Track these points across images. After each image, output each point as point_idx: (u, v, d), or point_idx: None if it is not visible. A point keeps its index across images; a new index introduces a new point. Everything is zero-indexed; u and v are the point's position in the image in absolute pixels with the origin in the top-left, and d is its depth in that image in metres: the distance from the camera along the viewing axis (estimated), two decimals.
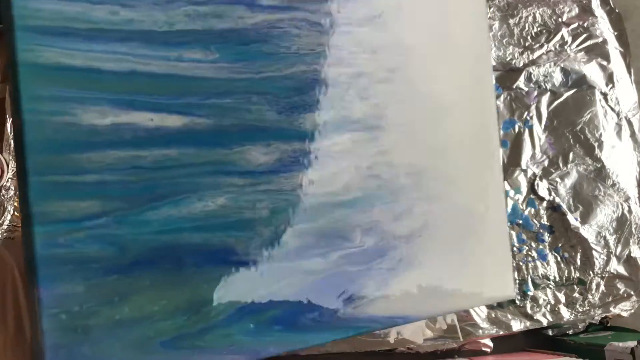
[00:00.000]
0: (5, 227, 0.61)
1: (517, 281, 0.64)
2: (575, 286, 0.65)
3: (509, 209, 0.66)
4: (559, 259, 0.65)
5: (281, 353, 0.30)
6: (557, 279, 0.65)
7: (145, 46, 0.28)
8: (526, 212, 0.66)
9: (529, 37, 0.71)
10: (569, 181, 0.68)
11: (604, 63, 0.72)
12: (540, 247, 0.65)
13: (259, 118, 0.31)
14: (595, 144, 0.69)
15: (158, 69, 0.29)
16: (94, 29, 0.27)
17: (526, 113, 0.69)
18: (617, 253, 0.66)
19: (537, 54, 0.71)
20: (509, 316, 0.63)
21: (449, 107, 0.37)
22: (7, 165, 0.61)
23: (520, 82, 0.70)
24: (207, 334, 0.29)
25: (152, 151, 0.28)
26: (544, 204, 0.67)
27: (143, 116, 0.28)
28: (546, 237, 0.66)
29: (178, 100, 0.29)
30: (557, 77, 0.71)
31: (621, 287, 0.65)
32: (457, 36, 0.38)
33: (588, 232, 0.66)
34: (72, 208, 0.27)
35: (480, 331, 0.62)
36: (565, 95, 0.70)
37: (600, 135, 0.69)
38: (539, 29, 0.72)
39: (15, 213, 0.61)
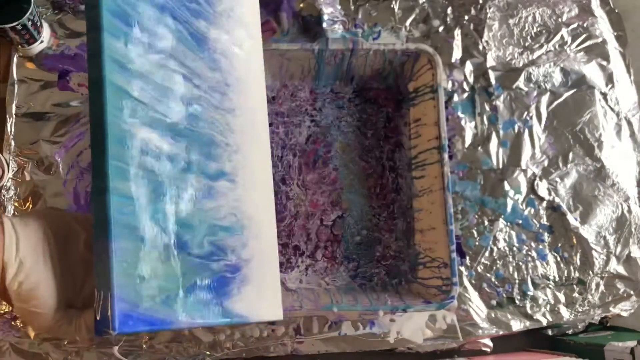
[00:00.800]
0: None
1: (517, 281, 0.64)
2: (575, 286, 0.65)
3: (509, 209, 0.66)
4: (558, 258, 0.65)
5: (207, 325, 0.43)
6: (557, 278, 0.65)
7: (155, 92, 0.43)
8: (526, 212, 0.66)
9: (528, 37, 0.72)
10: (569, 181, 0.68)
11: (604, 63, 0.72)
12: (540, 247, 0.65)
13: (193, 158, 0.45)
14: (595, 144, 0.69)
15: (162, 116, 0.43)
16: (142, 73, 0.41)
17: (526, 113, 0.69)
18: (617, 253, 0.66)
19: (536, 54, 0.71)
20: (509, 316, 0.63)
21: (262, 174, 0.50)
22: (8, 165, 0.61)
23: (520, 82, 0.70)
24: (178, 296, 0.40)
25: (159, 162, 0.42)
26: (544, 204, 0.67)
27: (156, 138, 0.42)
28: (546, 237, 0.66)
29: (166, 133, 0.43)
30: (557, 77, 0.71)
31: (621, 287, 0.65)
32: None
33: (588, 232, 0.66)
34: (128, 188, 0.38)
35: (480, 331, 0.62)
36: (565, 95, 0.70)
37: (600, 135, 0.69)
38: (538, 29, 0.72)
39: (16, 213, 0.61)
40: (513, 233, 0.65)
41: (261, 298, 0.46)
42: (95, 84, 0.38)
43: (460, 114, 0.68)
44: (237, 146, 0.47)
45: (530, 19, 0.72)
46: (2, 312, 0.58)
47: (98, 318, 0.36)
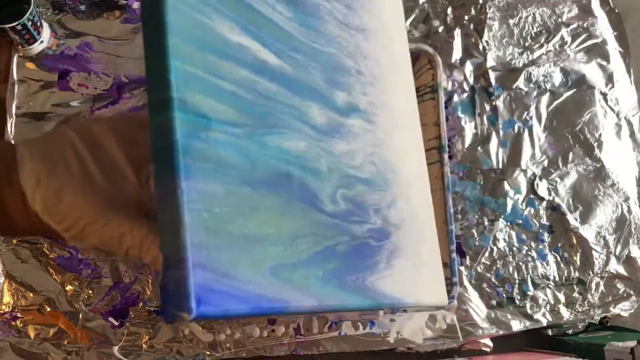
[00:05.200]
0: None
1: (517, 281, 0.64)
2: (575, 286, 0.65)
3: (509, 209, 0.66)
4: (558, 259, 0.65)
5: (326, 311, 0.32)
6: (557, 278, 0.65)
7: None
8: (526, 212, 0.66)
9: (528, 38, 0.72)
10: (569, 181, 0.68)
11: (604, 63, 0.72)
12: (540, 247, 0.65)
13: (316, 82, 0.33)
14: (595, 144, 0.69)
15: (264, 10, 0.31)
16: None
17: (526, 113, 0.69)
18: (617, 253, 0.66)
19: (536, 54, 0.71)
20: (509, 316, 0.63)
21: (407, 120, 0.42)
22: None
23: (520, 82, 0.70)
24: (296, 270, 0.29)
25: (263, 80, 0.30)
26: (544, 204, 0.67)
27: (256, 46, 0.30)
28: (546, 237, 0.66)
29: (274, 43, 0.31)
30: (557, 77, 0.71)
31: (621, 287, 0.65)
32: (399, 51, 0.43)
33: (588, 232, 0.66)
34: (212, 107, 0.26)
35: (480, 331, 0.62)
36: (565, 95, 0.70)
37: (600, 135, 0.69)
38: (538, 29, 0.72)
39: None
40: (513, 233, 0.65)
41: (418, 276, 0.36)
42: None
43: (460, 114, 0.68)
44: (373, 77, 0.37)
45: (530, 19, 0.72)
46: (2, 312, 0.58)
47: (164, 295, 0.24)
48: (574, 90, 0.70)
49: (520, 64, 0.71)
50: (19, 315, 0.59)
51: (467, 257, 0.64)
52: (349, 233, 0.32)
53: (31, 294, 0.59)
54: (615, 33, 0.73)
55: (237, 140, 0.27)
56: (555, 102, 0.70)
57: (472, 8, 0.72)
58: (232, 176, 0.27)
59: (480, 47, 0.70)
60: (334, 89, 0.34)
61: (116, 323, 0.59)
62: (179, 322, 0.24)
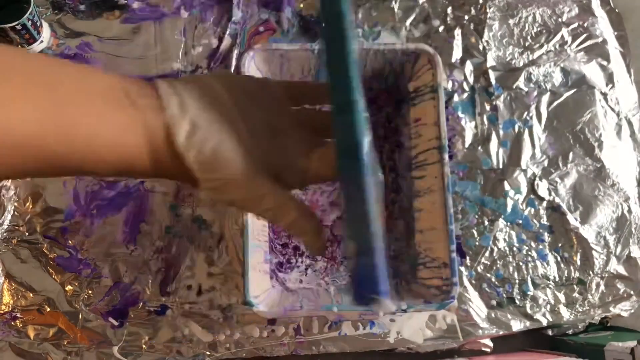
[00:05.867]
0: (5, 227, 0.61)
1: (517, 281, 0.64)
2: (575, 286, 0.65)
3: (509, 209, 0.66)
4: (558, 259, 0.65)
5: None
6: (557, 279, 0.65)
7: None
8: (526, 212, 0.66)
9: (528, 37, 0.72)
10: (569, 181, 0.68)
11: (604, 63, 0.72)
12: (540, 247, 0.65)
13: None
14: (595, 144, 0.69)
15: None
16: None
17: (526, 113, 0.69)
18: (617, 253, 0.66)
19: (537, 54, 0.71)
20: (509, 316, 0.63)
21: None
22: None
23: (520, 82, 0.70)
24: None
25: None
26: (544, 204, 0.67)
27: None
28: (546, 237, 0.66)
29: None
30: (557, 77, 0.71)
31: (621, 287, 0.65)
32: None
33: (588, 232, 0.66)
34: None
35: (480, 331, 0.62)
36: (565, 95, 0.70)
37: (600, 135, 0.69)
38: (538, 29, 0.72)
39: (16, 213, 0.61)
40: (513, 233, 0.65)
41: None
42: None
43: (460, 114, 0.68)
44: None
45: (530, 19, 0.72)
46: (1, 312, 0.58)
47: (354, 282, 0.27)
48: (574, 90, 0.70)
49: (521, 64, 0.70)
50: (18, 315, 0.59)
51: (467, 257, 0.64)
52: None
53: (31, 294, 0.59)
54: (615, 33, 0.73)
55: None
56: (556, 102, 0.70)
57: (472, 8, 0.72)
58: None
59: (481, 47, 0.70)
60: None
61: (116, 323, 0.59)
62: (372, 304, 0.26)
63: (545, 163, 0.68)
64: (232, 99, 0.31)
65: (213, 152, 0.28)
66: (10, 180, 0.61)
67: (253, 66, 0.60)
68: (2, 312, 0.58)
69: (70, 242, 0.61)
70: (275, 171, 0.32)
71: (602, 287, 0.65)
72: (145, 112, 0.28)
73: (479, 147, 0.67)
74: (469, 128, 0.68)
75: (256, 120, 0.31)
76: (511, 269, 0.64)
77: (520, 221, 0.66)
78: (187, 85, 0.30)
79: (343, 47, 0.28)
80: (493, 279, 0.64)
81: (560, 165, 0.68)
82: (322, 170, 0.33)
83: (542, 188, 0.67)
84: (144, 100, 0.28)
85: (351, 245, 0.27)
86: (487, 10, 0.72)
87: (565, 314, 0.64)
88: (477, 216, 0.65)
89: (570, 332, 0.66)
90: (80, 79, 0.27)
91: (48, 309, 0.59)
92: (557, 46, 0.72)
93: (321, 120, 0.36)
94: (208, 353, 0.59)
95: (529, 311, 0.63)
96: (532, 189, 0.67)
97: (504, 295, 0.64)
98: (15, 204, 0.61)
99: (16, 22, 0.58)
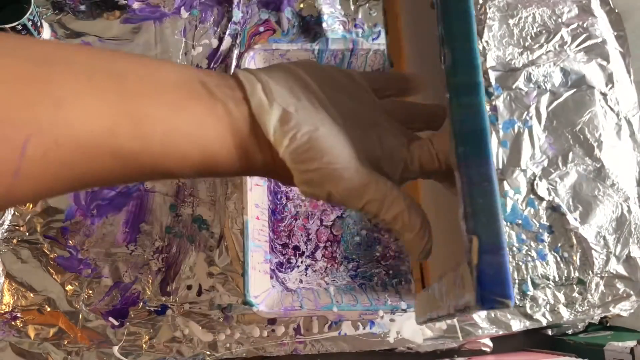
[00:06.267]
0: (5, 227, 0.61)
1: (517, 281, 0.64)
2: (574, 286, 0.65)
3: (509, 209, 0.66)
4: (558, 258, 0.65)
5: None
6: (557, 278, 0.65)
7: None
8: (526, 212, 0.66)
9: (528, 38, 0.72)
10: (569, 181, 0.68)
11: (604, 63, 0.72)
12: (540, 247, 0.65)
13: None
14: (595, 144, 0.69)
15: None
16: None
17: (526, 113, 0.69)
18: (617, 253, 0.66)
19: (536, 54, 0.71)
20: (509, 316, 0.63)
21: None
22: None
23: (520, 82, 0.70)
24: None
25: None
26: (544, 204, 0.67)
27: None
28: (546, 237, 0.66)
29: None
30: (557, 77, 0.71)
31: (621, 287, 0.65)
32: None
33: (587, 232, 0.66)
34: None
35: (480, 331, 0.62)
36: (565, 95, 0.70)
37: (600, 135, 0.69)
38: (538, 29, 0.72)
39: (16, 213, 0.61)
40: (513, 233, 0.65)
41: None
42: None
43: None
44: None
45: (530, 19, 0.72)
46: (2, 312, 0.58)
47: (479, 281, 0.24)
48: (574, 90, 0.70)
49: (520, 64, 0.71)
50: (19, 315, 0.59)
51: None
52: None
53: (31, 294, 0.59)
54: (615, 33, 0.73)
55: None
56: (555, 102, 0.70)
57: None
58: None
59: (480, 47, 0.70)
60: None
61: (116, 323, 0.59)
62: (499, 308, 0.24)
63: (545, 163, 0.68)
64: (320, 86, 0.28)
65: (309, 139, 0.26)
66: None
67: (253, 66, 0.60)
68: (2, 312, 0.58)
69: (70, 242, 0.61)
70: (375, 162, 0.29)
71: (601, 287, 0.65)
72: (226, 102, 0.25)
73: None
74: None
75: (348, 109, 0.29)
76: (511, 269, 0.64)
77: (520, 221, 0.66)
78: (271, 72, 0.28)
79: (467, 19, 0.26)
80: None
81: (560, 165, 0.68)
82: (425, 161, 0.29)
83: (542, 188, 0.67)
84: (224, 90, 0.26)
85: (476, 241, 0.24)
86: (487, 10, 0.72)
87: (565, 313, 0.64)
88: None
89: (570, 332, 0.66)
90: (150, 69, 0.25)
91: (48, 309, 0.59)
92: (557, 46, 0.72)
93: (408, 112, 0.33)
94: (208, 353, 0.59)
95: (528, 311, 0.63)
96: (531, 189, 0.67)
97: None
98: None
99: (16, 22, 0.58)
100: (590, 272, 0.65)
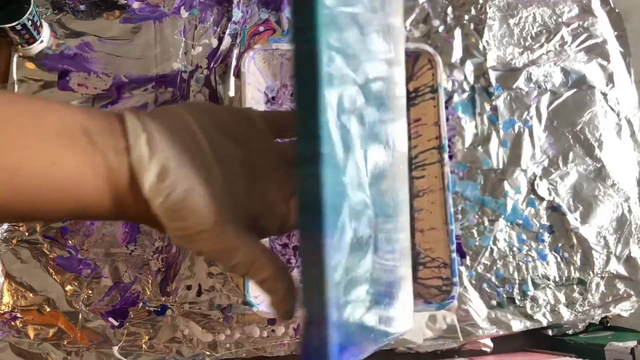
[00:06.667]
0: (5, 227, 0.61)
1: (517, 281, 0.64)
2: (575, 286, 0.65)
3: (509, 209, 0.66)
4: (559, 259, 0.65)
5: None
6: (557, 279, 0.65)
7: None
8: (526, 212, 0.66)
9: (529, 37, 0.71)
10: (569, 181, 0.68)
11: (604, 63, 0.72)
12: (540, 247, 0.65)
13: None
14: (595, 144, 0.69)
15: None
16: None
17: (526, 113, 0.69)
18: (617, 253, 0.66)
19: (537, 54, 0.71)
20: (509, 316, 0.63)
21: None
22: None
23: (520, 82, 0.70)
24: (369, 319, 0.30)
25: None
26: (544, 204, 0.67)
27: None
28: (546, 237, 0.66)
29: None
30: (557, 77, 0.71)
31: (621, 287, 0.65)
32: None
33: (588, 232, 0.66)
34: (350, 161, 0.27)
35: (480, 331, 0.62)
36: (565, 95, 0.70)
37: (600, 135, 0.69)
38: (539, 29, 0.72)
39: None
40: (513, 233, 0.65)
41: (402, 305, 0.37)
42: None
43: (460, 114, 0.68)
44: (393, 113, 0.39)
45: (530, 18, 0.72)
46: (1, 312, 0.58)
47: (304, 346, 0.24)
48: (575, 90, 0.70)
49: (521, 64, 0.70)
50: (18, 315, 0.58)
51: (467, 257, 0.64)
52: (393, 273, 0.34)
53: (31, 294, 0.59)
54: (615, 33, 0.73)
55: (363, 190, 0.28)
56: (556, 102, 0.70)
57: (472, 8, 0.72)
58: (343, 231, 0.27)
59: (481, 46, 0.70)
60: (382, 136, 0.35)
61: (116, 323, 0.59)
62: None
63: (545, 163, 0.68)
64: (207, 135, 0.28)
65: (183, 199, 0.26)
66: None
67: (253, 66, 0.60)
68: (2, 312, 0.58)
69: (70, 242, 0.61)
70: (252, 217, 0.29)
71: (602, 287, 0.65)
72: (107, 153, 0.25)
73: (479, 147, 0.67)
74: (469, 128, 0.68)
75: (234, 160, 0.29)
76: (511, 269, 0.64)
77: (521, 221, 0.66)
78: (158, 119, 0.27)
79: (313, 87, 0.24)
80: (493, 279, 0.64)
81: (561, 165, 0.68)
82: None
83: (542, 188, 0.67)
84: (107, 138, 0.26)
85: (303, 311, 0.24)
86: (487, 10, 0.71)
87: (566, 314, 0.64)
88: (477, 216, 0.65)
89: (570, 332, 0.66)
90: (32, 116, 0.25)
91: (48, 309, 0.59)
92: (557, 46, 0.71)
93: None
94: (208, 353, 0.59)
95: (529, 311, 0.63)
96: (532, 189, 0.67)
97: (504, 295, 0.64)
98: None
99: (16, 22, 0.58)
100: (590, 272, 0.65)
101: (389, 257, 0.34)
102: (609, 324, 0.67)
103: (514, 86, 0.69)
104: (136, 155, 0.25)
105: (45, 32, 0.64)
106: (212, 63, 0.67)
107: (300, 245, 0.24)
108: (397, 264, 0.36)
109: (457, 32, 0.70)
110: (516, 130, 0.68)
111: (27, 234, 0.61)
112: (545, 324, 0.63)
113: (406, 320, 0.40)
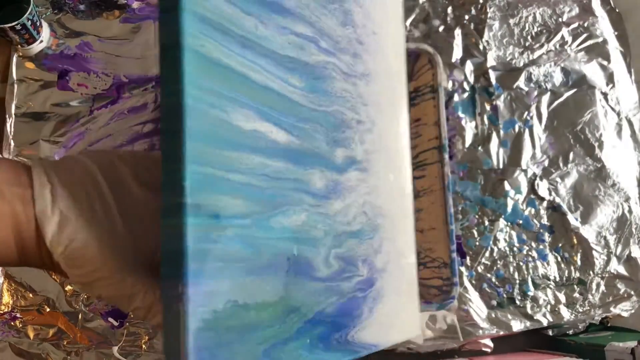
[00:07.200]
0: None
1: (518, 281, 0.64)
2: (575, 286, 0.65)
3: (509, 209, 0.66)
4: (559, 259, 0.65)
5: None
6: (557, 279, 0.65)
7: (272, 64, 0.30)
8: (526, 212, 0.66)
9: (529, 37, 0.71)
10: (569, 181, 0.68)
11: (604, 63, 0.72)
12: (541, 247, 0.65)
13: (318, 146, 0.33)
14: (596, 144, 0.69)
15: (277, 87, 0.30)
16: (244, 36, 0.28)
17: (526, 113, 0.69)
18: (617, 253, 0.66)
19: (537, 54, 0.71)
20: (509, 316, 0.63)
21: (399, 155, 0.42)
22: None
23: (520, 82, 0.70)
24: (287, 345, 0.29)
25: (273, 161, 0.30)
26: (544, 204, 0.67)
27: (268, 128, 0.29)
28: (546, 237, 0.66)
29: (284, 119, 0.31)
30: (557, 77, 0.71)
31: (621, 287, 0.65)
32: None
33: (588, 232, 0.66)
34: (224, 204, 0.26)
35: (480, 331, 0.62)
36: (566, 95, 0.70)
37: (601, 135, 0.69)
38: (539, 28, 0.72)
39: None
40: (513, 233, 0.65)
41: (397, 314, 0.37)
42: (167, 51, 0.25)
43: (460, 114, 0.68)
44: (372, 123, 0.38)
45: (530, 18, 0.72)
46: (1, 312, 0.58)
47: None
48: (575, 90, 0.70)
49: (521, 64, 0.70)
50: (18, 315, 0.58)
51: (468, 257, 0.64)
52: (338, 292, 0.33)
53: (30, 294, 0.59)
54: (616, 33, 0.73)
55: (245, 230, 0.27)
56: (556, 102, 0.70)
57: (472, 8, 0.72)
58: (238, 269, 0.27)
59: (481, 46, 0.70)
60: (334, 147, 0.34)
61: (116, 323, 0.59)
62: None
63: (546, 163, 0.68)
64: (109, 181, 0.29)
65: (81, 248, 0.27)
66: None
67: None
68: (1, 312, 0.58)
69: None
70: (154, 260, 0.30)
71: (602, 287, 0.65)
72: (14, 203, 0.26)
73: (479, 147, 0.67)
74: (469, 128, 0.68)
75: (135, 204, 0.30)
76: (511, 269, 0.64)
77: (521, 221, 0.66)
78: (64, 170, 0.28)
79: (177, 141, 0.24)
80: (493, 279, 0.64)
81: (561, 165, 0.68)
82: None
83: (543, 188, 0.67)
84: (15, 189, 0.27)
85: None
86: (487, 10, 0.71)
87: (566, 314, 0.64)
88: (477, 216, 0.65)
89: (570, 332, 0.66)
90: None
91: (48, 309, 0.59)
92: (558, 46, 0.71)
93: None
94: None
95: (529, 311, 0.63)
96: (532, 189, 0.67)
97: (504, 296, 0.63)
98: None
99: (16, 22, 0.58)
100: (591, 273, 0.65)
101: (346, 275, 0.33)
102: (609, 324, 0.67)
103: (514, 86, 0.69)
104: (40, 207, 0.27)
105: (45, 32, 0.64)
106: None
107: (162, 293, 0.24)
108: (365, 279, 0.35)
109: (457, 32, 0.70)
110: (516, 130, 0.68)
111: None
112: (545, 324, 0.63)
113: (405, 328, 0.39)
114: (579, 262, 0.65)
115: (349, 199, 0.35)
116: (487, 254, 0.64)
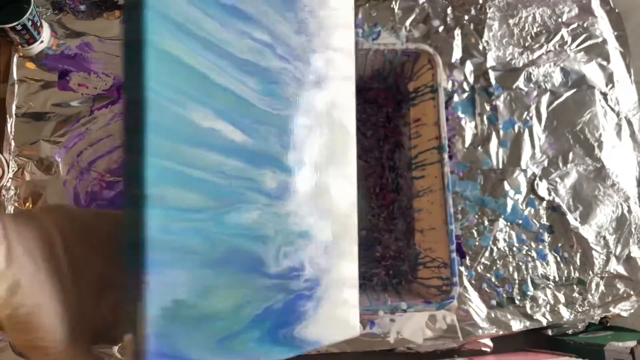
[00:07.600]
0: None
1: (517, 281, 0.64)
2: (574, 286, 0.65)
3: (509, 209, 0.66)
4: (558, 259, 0.65)
5: None
6: (557, 279, 0.65)
7: (231, 67, 0.31)
8: (526, 212, 0.66)
9: (528, 37, 0.72)
10: (569, 181, 0.68)
11: (604, 63, 0.72)
12: (540, 247, 0.65)
13: (272, 148, 0.35)
14: (595, 144, 0.69)
15: (235, 88, 0.32)
16: (206, 38, 0.29)
17: (526, 113, 0.69)
18: (617, 253, 0.66)
19: (537, 54, 0.71)
20: (509, 316, 0.63)
21: (344, 150, 0.43)
22: (8, 166, 0.61)
23: (520, 82, 0.70)
24: (238, 337, 0.31)
25: (229, 160, 0.31)
26: (544, 204, 0.67)
27: (225, 127, 0.31)
28: (546, 237, 0.66)
29: (241, 119, 0.32)
30: (557, 77, 0.71)
31: (621, 287, 0.65)
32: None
33: (588, 232, 0.66)
34: (182, 197, 0.27)
35: (480, 331, 0.62)
36: (565, 95, 0.70)
37: (600, 135, 0.69)
38: (538, 29, 0.72)
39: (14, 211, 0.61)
40: (513, 233, 0.65)
41: (338, 314, 0.39)
42: (131, 47, 0.26)
43: (460, 114, 0.68)
44: (321, 127, 0.39)
45: (530, 19, 0.72)
46: None
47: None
48: (574, 90, 0.70)
49: (520, 64, 0.70)
50: None
51: (467, 257, 0.64)
52: (286, 289, 0.34)
53: None
54: (615, 33, 0.73)
55: (202, 224, 0.29)
56: (556, 102, 0.70)
57: (472, 8, 0.72)
58: (194, 261, 0.28)
59: (480, 47, 0.70)
60: (286, 149, 0.36)
61: None
62: None
63: (545, 163, 0.68)
64: (68, 247, 0.30)
65: (28, 315, 0.27)
66: (10, 180, 0.61)
67: None
68: None
69: None
70: (101, 329, 0.31)
71: (601, 287, 0.65)
72: None
73: (479, 147, 0.67)
74: (469, 128, 0.68)
75: (92, 272, 0.30)
76: (511, 269, 0.64)
77: (520, 221, 0.66)
78: (22, 228, 0.29)
79: (140, 135, 0.25)
80: (493, 279, 0.64)
81: (560, 165, 0.68)
82: None
83: (542, 188, 0.67)
84: None
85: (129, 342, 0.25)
86: (487, 10, 0.72)
87: (565, 314, 0.64)
88: (477, 216, 0.65)
89: (570, 332, 0.66)
90: None
91: None
92: (557, 46, 0.72)
93: None
94: None
95: (528, 311, 0.63)
96: (532, 189, 0.67)
97: (504, 295, 0.64)
98: (16, 204, 0.61)
99: (16, 22, 0.58)
100: (590, 272, 0.65)
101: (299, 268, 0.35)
102: (608, 324, 0.67)
103: (514, 86, 0.70)
104: None
105: (46, 32, 0.64)
106: None
107: (123, 282, 0.25)
108: (316, 269, 0.37)
109: (457, 32, 0.70)
110: (516, 130, 0.68)
111: None
112: (545, 323, 0.63)
113: (343, 327, 0.40)
114: (578, 262, 0.65)
115: (299, 199, 0.36)
116: (486, 254, 0.64)
